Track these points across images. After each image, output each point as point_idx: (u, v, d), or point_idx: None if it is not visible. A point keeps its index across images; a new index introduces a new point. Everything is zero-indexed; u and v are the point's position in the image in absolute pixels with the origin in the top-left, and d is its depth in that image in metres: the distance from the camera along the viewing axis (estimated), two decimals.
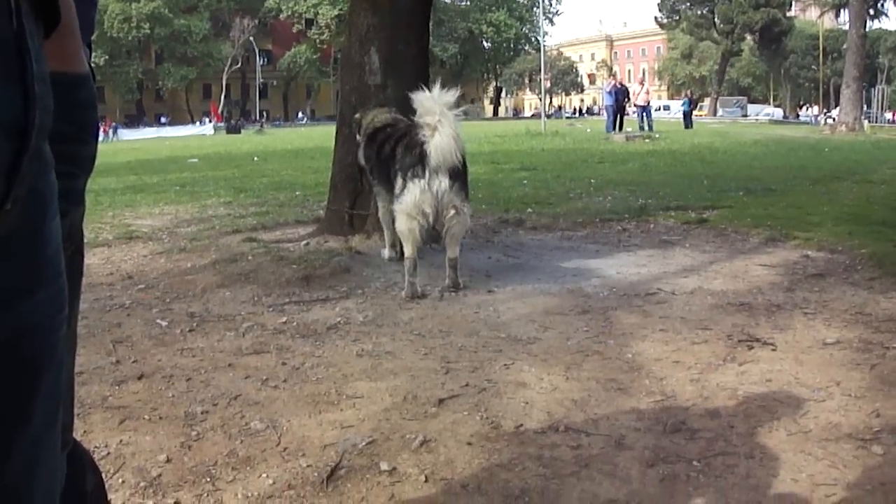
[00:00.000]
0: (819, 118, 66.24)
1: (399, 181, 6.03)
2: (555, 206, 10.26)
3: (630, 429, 3.43)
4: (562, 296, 5.80)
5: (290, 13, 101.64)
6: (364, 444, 3.29)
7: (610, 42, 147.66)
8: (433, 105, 5.93)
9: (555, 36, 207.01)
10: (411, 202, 5.94)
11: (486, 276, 6.44)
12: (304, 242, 7.44)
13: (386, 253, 6.87)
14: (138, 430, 3.50)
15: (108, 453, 3.27)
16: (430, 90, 6.27)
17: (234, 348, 4.66)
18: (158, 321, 5.28)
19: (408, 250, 6.04)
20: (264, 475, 3.04)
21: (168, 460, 3.19)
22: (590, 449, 3.23)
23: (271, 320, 5.24)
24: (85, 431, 3.47)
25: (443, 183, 5.90)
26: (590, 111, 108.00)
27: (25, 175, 0.91)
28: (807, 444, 3.23)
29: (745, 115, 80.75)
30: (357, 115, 6.96)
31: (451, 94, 6.03)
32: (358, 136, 6.90)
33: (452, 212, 5.98)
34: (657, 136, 27.68)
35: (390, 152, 6.24)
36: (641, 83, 36.89)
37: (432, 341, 4.73)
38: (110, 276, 6.82)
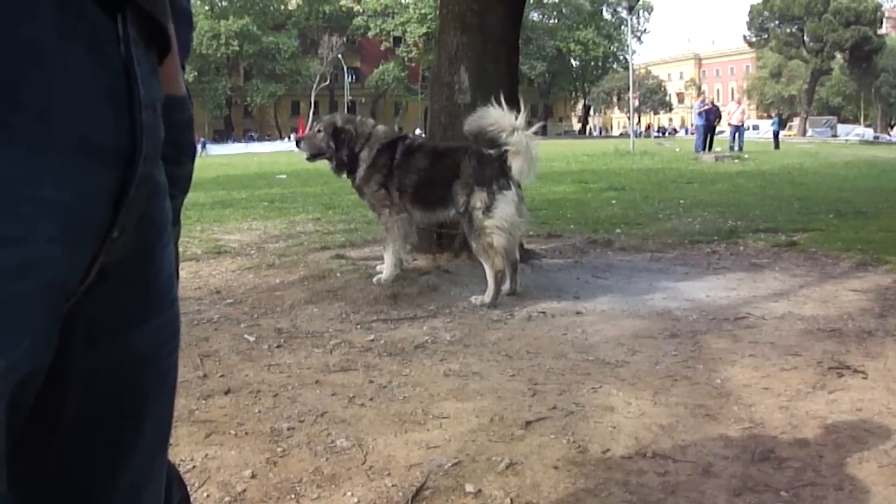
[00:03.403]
0: None
1: (481, 195, 6.27)
2: (644, 227, 10.17)
3: (718, 456, 3.35)
4: (651, 319, 5.72)
5: (378, 31, 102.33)
6: (450, 465, 3.26)
7: (698, 60, 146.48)
8: (513, 120, 6.28)
9: (643, 54, 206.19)
10: (508, 214, 6.25)
11: (574, 297, 6.38)
12: None
13: (386, 273, 6.71)
14: (224, 445, 3.51)
15: (194, 467, 3.29)
16: (519, 110, 6.42)
17: (321, 365, 4.67)
18: (246, 336, 5.31)
19: (500, 264, 6.24)
20: (349, 493, 3.02)
21: (253, 476, 3.20)
22: (677, 476, 3.16)
23: (359, 338, 5.24)
24: (171, 445, 3.48)
25: (521, 194, 6.37)
26: (674, 131, 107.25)
27: (133, 202, 0.90)
28: None
29: (835, 136, 79.53)
30: (337, 123, 6.99)
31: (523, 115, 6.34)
32: (339, 147, 6.89)
33: (524, 220, 6.46)
34: (746, 156, 27.32)
35: (439, 165, 6.56)
36: (739, 102, 36.32)
37: (520, 362, 4.68)
38: (198, 291, 6.88)
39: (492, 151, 6.39)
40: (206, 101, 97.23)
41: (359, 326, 5.54)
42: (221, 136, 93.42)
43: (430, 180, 6.59)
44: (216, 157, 55.92)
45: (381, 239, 7.25)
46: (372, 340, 5.18)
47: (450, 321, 5.69)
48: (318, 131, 7.00)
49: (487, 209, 6.26)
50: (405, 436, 3.59)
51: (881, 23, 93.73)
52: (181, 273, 7.56)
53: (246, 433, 3.66)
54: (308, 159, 7.16)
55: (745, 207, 12.25)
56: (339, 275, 6.85)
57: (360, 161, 6.82)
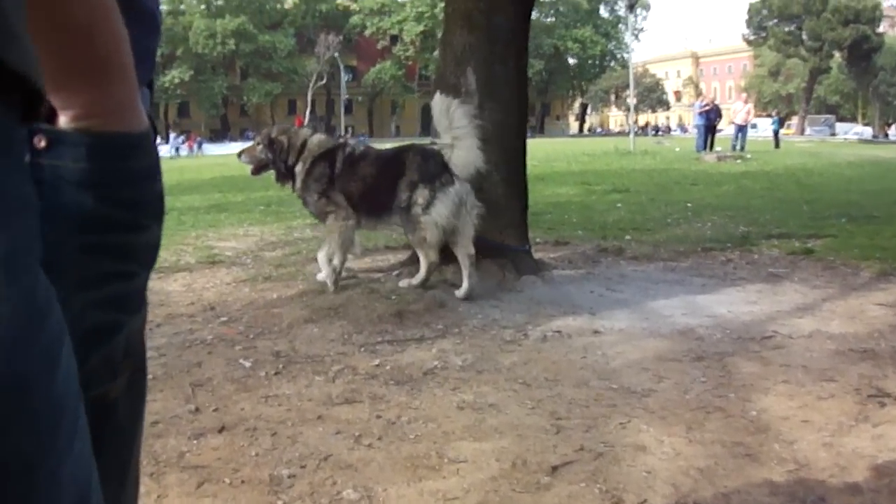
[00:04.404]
0: None
1: (423, 192, 6.40)
2: (654, 233, 9.85)
3: None
4: (673, 338, 5.36)
5: (374, 30, 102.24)
6: None
7: (696, 59, 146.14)
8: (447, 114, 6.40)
9: (640, 52, 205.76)
10: (444, 213, 6.36)
11: (590, 313, 6.02)
12: (395, 272, 7.11)
13: (326, 274, 6.75)
14: (218, 497, 3.15)
15: None
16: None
17: (323, 396, 4.30)
18: (241, 361, 4.96)
19: (433, 255, 6.49)
20: None
21: None
22: None
23: (363, 363, 4.88)
24: (159, 496, 3.15)
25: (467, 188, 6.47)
26: (668, 129, 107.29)
27: None
28: None
29: (834, 134, 79.45)
30: (272, 134, 7.05)
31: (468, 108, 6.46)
32: (275, 158, 6.95)
33: (475, 212, 6.46)
34: (749, 156, 27.03)
35: (385, 170, 6.68)
36: (746, 102, 35.98)
37: (538, 392, 4.31)
38: (191, 307, 6.54)
39: (437, 147, 6.52)
40: (202, 100, 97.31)
41: (362, 349, 5.18)
42: (218, 136, 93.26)
43: (375, 186, 6.68)
44: (212, 156, 55.71)
45: (393, 247, 7.52)
46: (377, 366, 4.81)
47: (459, 342, 5.32)
48: (257, 144, 7.10)
49: (427, 206, 6.38)
50: (419, 485, 3.23)
51: (880, 21, 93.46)
52: (174, 285, 7.29)
53: (242, 481, 3.29)
54: (253, 173, 7.23)
55: (755, 211, 11.96)
56: (342, 289, 6.50)
57: (296, 172, 6.87)
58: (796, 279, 7.25)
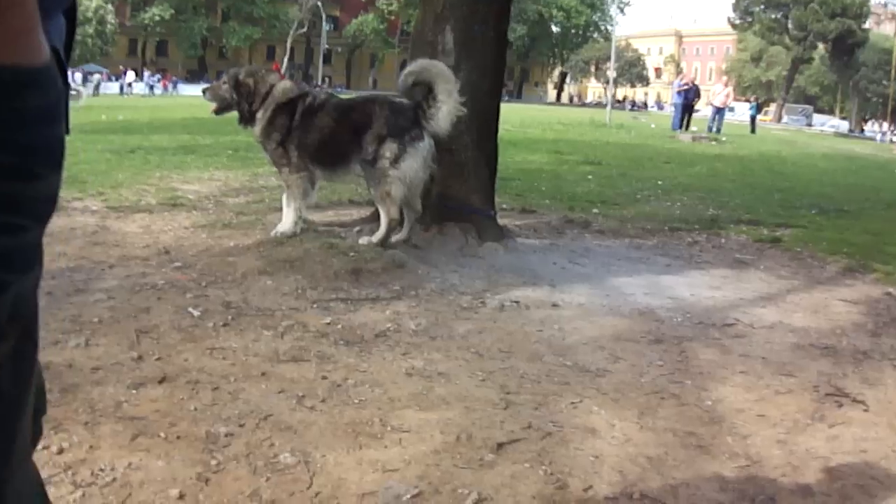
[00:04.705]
0: (886, 136, 64.79)
1: (391, 147, 6.28)
2: (622, 208, 9.80)
3: (713, 501, 2.94)
4: (633, 318, 5.27)
5: None
6: (409, 496, 2.81)
7: (679, 37, 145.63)
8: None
9: (624, 26, 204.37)
10: (413, 168, 6.29)
11: (550, 285, 5.92)
12: (356, 229, 6.97)
13: (283, 227, 6.71)
14: (151, 452, 3.03)
15: (114, 479, 2.81)
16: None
17: (270, 352, 4.19)
18: (191, 310, 4.82)
19: (395, 212, 6.38)
20: None
21: (181, 496, 2.73)
22: None
23: (314, 320, 4.76)
24: (91, 447, 3.03)
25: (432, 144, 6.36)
26: (646, 105, 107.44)
27: None
28: None
29: (810, 125, 79.87)
30: (239, 76, 6.88)
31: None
32: (240, 100, 6.80)
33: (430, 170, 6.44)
34: (724, 139, 27.08)
35: (346, 121, 6.55)
36: (726, 85, 35.85)
37: (491, 363, 4.21)
38: (146, 249, 6.42)
39: (405, 101, 6.43)
40: (181, 40, 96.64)
41: (315, 305, 5.06)
42: (194, 77, 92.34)
43: (333, 137, 6.58)
44: (187, 97, 55.23)
45: (358, 203, 7.25)
46: (328, 324, 4.69)
47: (415, 305, 5.21)
48: (224, 83, 6.94)
49: (395, 160, 6.29)
50: (359, 453, 3.12)
51: (866, 17, 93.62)
52: (131, 226, 7.14)
53: (178, 437, 3.17)
54: (215, 112, 7.08)
55: (725, 195, 11.94)
56: (298, 242, 6.33)
57: (257, 117, 6.74)
58: (762, 267, 7.21)
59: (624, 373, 4.22)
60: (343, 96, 7.34)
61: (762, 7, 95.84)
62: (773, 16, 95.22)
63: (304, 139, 6.60)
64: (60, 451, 2.97)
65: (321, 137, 6.57)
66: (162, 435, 3.17)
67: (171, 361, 4.00)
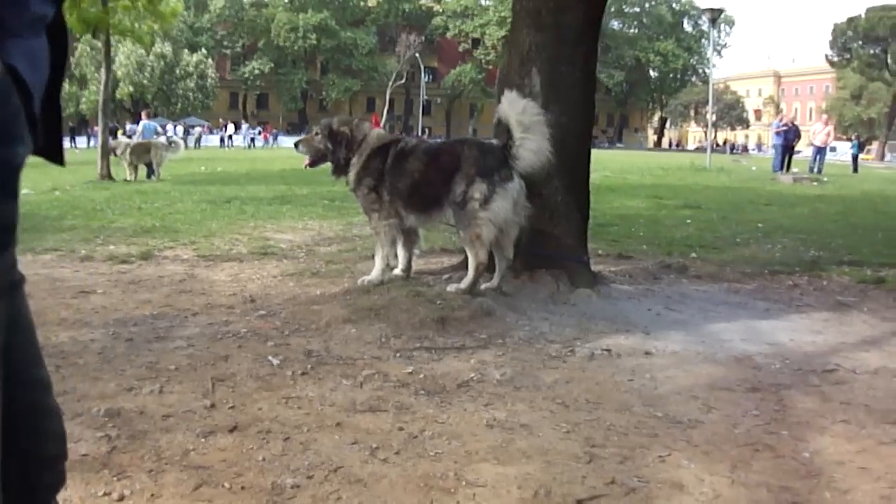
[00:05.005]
0: None
1: (480, 187, 6.12)
2: (720, 252, 9.50)
3: None
4: (728, 366, 5.01)
5: (456, 32, 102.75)
6: None
7: (777, 78, 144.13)
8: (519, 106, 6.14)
9: (722, 69, 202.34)
10: (503, 209, 6.12)
11: (643, 332, 5.70)
12: (445, 276, 6.85)
13: (373, 275, 6.64)
14: (213, 502, 2.92)
15: None
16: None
17: (346, 402, 4.05)
18: (270, 358, 4.74)
19: (484, 256, 6.21)
20: None
21: None
22: None
23: (396, 369, 4.62)
24: (153, 495, 2.95)
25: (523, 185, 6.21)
26: (746, 148, 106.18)
27: None
28: None
29: None
30: (333, 125, 6.88)
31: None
32: (335, 149, 6.79)
33: (524, 213, 6.25)
34: (826, 179, 26.47)
35: (436, 164, 6.42)
36: (826, 123, 35.12)
37: (577, 415, 4.01)
38: (232, 298, 6.42)
39: (494, 141, 6.38)
40: (282, 93, 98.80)
41: (398, 354, 4.92)
42: (295, 129, 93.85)
43: (425, 181, 6.46)
44: (286, 149, 56.09)
45: (450, 250, 7.26)
46: (410, 373, 4.55)
47: (501, 354, 5.03)
48: (316, 134, 6.93)
49: (485, 201, 6.11)
50: None
51: None
52: (220, 275, 7.13)
53: (242, 488, 3.05)
54: (309, 165, 7.11)
55: (827, 235, 11.51)
56: (385, 290, 6.22)
57: (351, 164, 6.71)
58: (865, 309, 6.84)
59: (717, 423, 3.98)
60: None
61: (860, 43, 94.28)
62: (871, 51, 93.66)
63: (396, 184, 6.50)
64: (121, 499, 2.92)
65: (412, 182, 6.47)
66: (226, 485, 3.06)
67: (245, 410, 3.90)
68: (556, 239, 6.70)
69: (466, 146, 6.44)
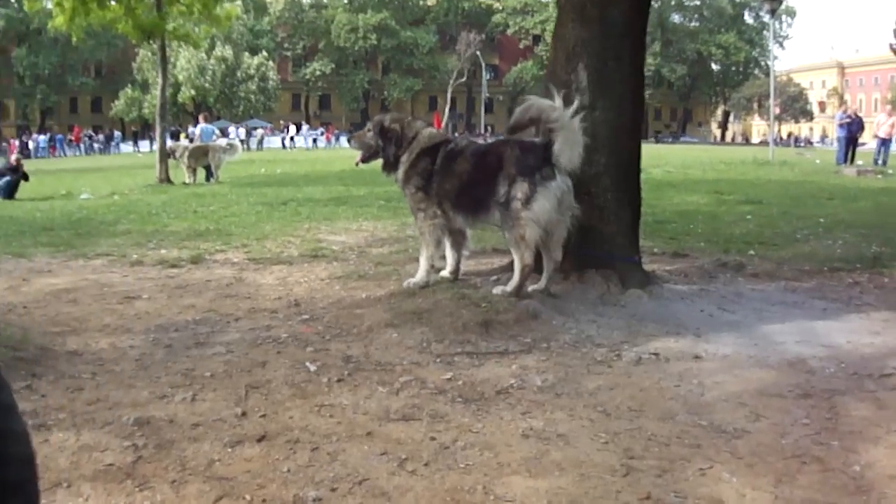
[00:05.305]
0: None
1: (522, 187, 6.00)
2: (780, 249, 9.25)
3: None
4: (780, 370, 4.81)
5: (517, 29, 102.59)
6: None
7: (841, 69, 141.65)
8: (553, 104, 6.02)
9: (784, 61, 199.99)
10: (546, 208, 5.98)
11: (694, 335, 5.52)
12: (493, 278, 6.73)
13: (418, 278, 6.58)
14: None
15: None
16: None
17: (380, 410, 3.96)
18: (308, 364, 4.68)
19: (530, 258, 6.07)
20: None
21: None
22: None
23: (434, 375, 4.52)
24: None
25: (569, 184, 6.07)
26: (810, 141, 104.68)
27: None
28: None
29: None
30: (385, 122, 6.85)
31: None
32: (386, 146, 6.74)
33: (569, 213, 6.13)
34: (891, 171, 25.84)
35: (482, 165, 6.32)
36: (890, 115, 34.23)
37: (617, 423, 3.86)
38: (277, 301, 6.40)
39: (537, 140, 6.20)
40: (343, 93, 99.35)
41: (438, 360, 4.82)
42: (357, 130, 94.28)
43: (472, 182, 6.37)
44: (348, 149, 56.31)
45: (501, 250, 7.08)
46: (448, 380, 4.44)
47: (545, 359, 4.89)
48: (368, 130, 6.93)
49: (527, 200, 5.99)
50: None
51: None
52: (268, 278, 7.09)
53: (263, 500, 2.99)
54: (362, 161, 7.04)
55: (890, 230, 11.14)
56: (430, 292, 6.12)
57: (400, 162, 6.67)
58: None
59: (764, 433, 3.80)
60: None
61: None
62: None
63: (444, 184, 6.45)
64: None
65: (459, 182, 6.39)
66: (247, 497, 3.00)
67: (276, 419, 3.84)
68: (607, 238, 6.56)
69: (509, 146, 6.33)
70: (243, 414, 3.86)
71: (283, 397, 4.13)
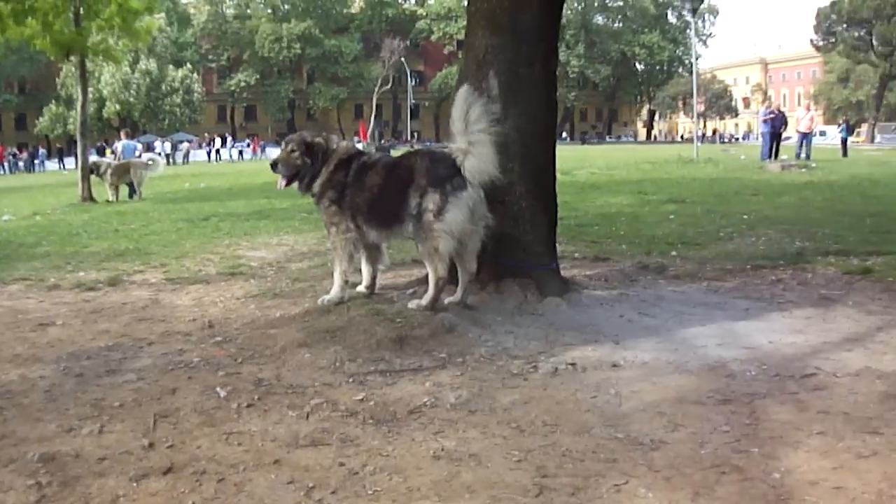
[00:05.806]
0: None
1: (433, 198, 5.92)
2: (702, 248, 9.33)
3: None
4: (700, 375, 4.79)
5: (441, 34, 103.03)
6: None
7: (764, 65, 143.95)
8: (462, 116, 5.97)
9: (709, 58, 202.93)
10: (459, 220, 5.91)
11: (613, 342, 5.50)
12: (409, 291, 6.66)
13: (332, 294, 6.46)
14: None
15: None
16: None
17: (289, 435, 3.87)
18: (218, 389, 4.57)
19: (443, 270, 5.99)
20: None
21: None
22: None
23: (346, 396, 4.44)
24: None
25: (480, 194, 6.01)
26: (733, 137, 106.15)
27: None
28: None
29: None
30: (307, 139, 6.68)
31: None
32: (313, 162, 6.56)
33: (482, 223, 6.06)
34: (814, 165, 26.30)
35: (393, 177, 6.25)
36: (808, 108, 34.75)
37: (531, 440, 3.79)
38: (191, 324, 6.29)
39: (447, 150, 6.10)
40: (269, 104, 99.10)
41: (351, 380, 4.73)
42: (284, 138, 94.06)
43: (384, 195, 6.28)
44: None
45: (420, 261, 6.71)
46: (360, 401, 4.36)
47: (459, 374, 4.83)
48: (292, 151, 6.63)
49: (439, 212, 5.91)
50: None
51: None
52: (184, 299, 6.96)
53: None
54: (287, 183, 6.75)
55: (814, 225, 11.28)
56: (344, 309, 6.03)
57: (317, 176, 6.51)
58: (850, 303, 6.64)
59: (682, 443, 3.76)
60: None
61: (844, 26, 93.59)
62: (856, 34, 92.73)
63: (356, 198, 6.34)
64: None
65: (371, 196, 6.29)
66: None
67: (183, 449, 3.74)
68: (523, 246, 6.51)
69: (419, 157, 6.30)
70: (150, 445, 3.76)
71: (192, 426, 4.02)
